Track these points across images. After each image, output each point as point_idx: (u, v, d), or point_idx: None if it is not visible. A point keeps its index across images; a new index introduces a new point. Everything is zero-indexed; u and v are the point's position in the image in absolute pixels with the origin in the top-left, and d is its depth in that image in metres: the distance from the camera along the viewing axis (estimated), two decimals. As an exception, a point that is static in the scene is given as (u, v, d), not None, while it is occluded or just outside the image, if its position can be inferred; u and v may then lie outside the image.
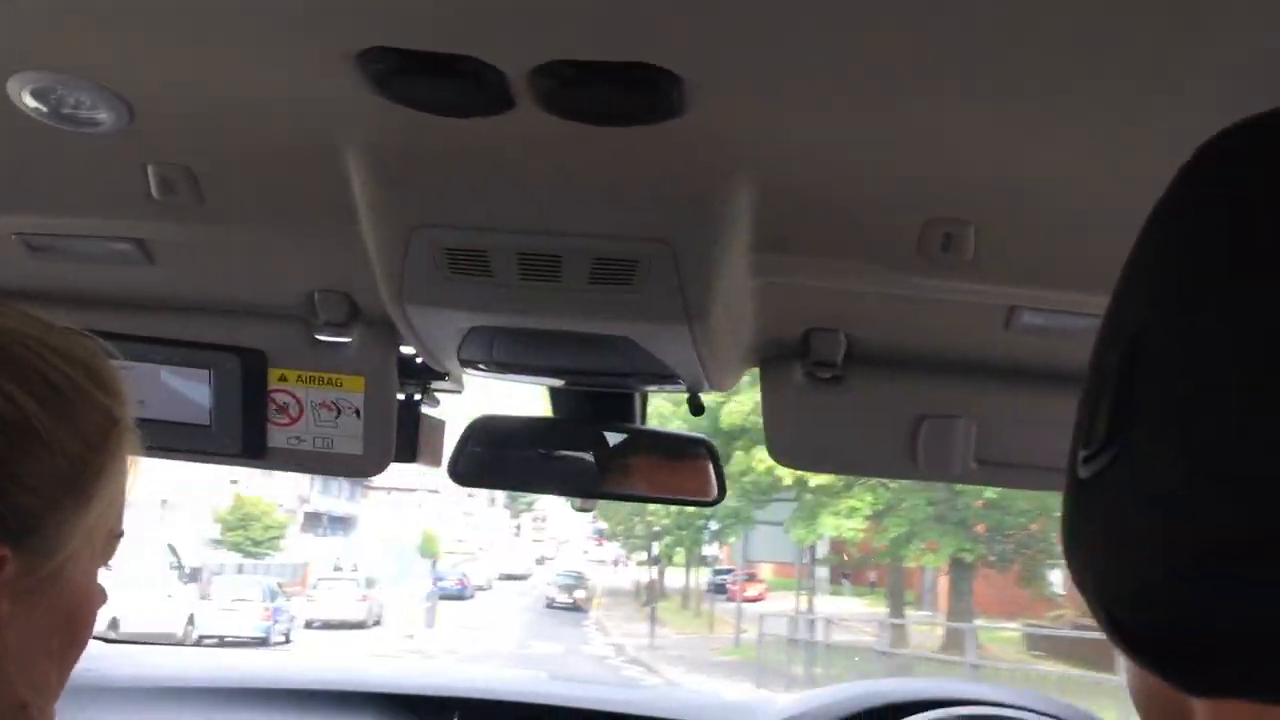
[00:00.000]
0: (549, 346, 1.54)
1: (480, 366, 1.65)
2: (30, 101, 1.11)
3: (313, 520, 52.44)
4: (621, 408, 1.82)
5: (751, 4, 0.87)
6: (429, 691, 2.34)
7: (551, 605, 40.14)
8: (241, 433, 1.68)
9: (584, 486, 1.90)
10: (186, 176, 1.27)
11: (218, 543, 37.72)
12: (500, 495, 78.11)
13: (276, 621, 24.47)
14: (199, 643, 21.85)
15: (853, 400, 1.66)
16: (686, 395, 1.76)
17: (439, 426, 1.87)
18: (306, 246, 1.46)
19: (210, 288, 1.63)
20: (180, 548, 24.76)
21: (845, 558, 30.72)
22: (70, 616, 0.82)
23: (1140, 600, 0.47)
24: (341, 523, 56.33)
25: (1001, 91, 0.98)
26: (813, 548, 27.66)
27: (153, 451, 1.76)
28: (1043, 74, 0.95)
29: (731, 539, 32.39)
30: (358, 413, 1.69)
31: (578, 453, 1.84)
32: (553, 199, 1.22)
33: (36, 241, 1.48)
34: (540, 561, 68.40)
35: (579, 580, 43.49)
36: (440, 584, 41.46)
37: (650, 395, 1.88)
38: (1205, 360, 0.45)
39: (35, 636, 0.79)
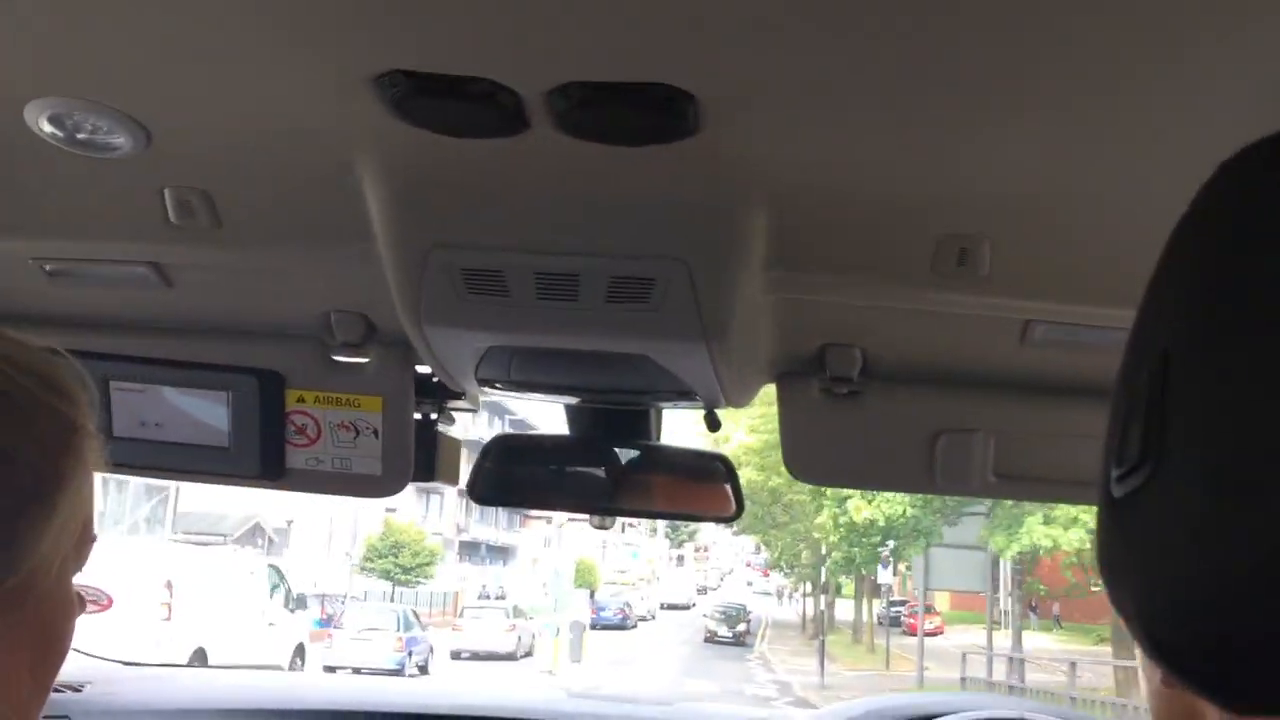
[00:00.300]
0: (567, 365, 1.55)
1: (498, 385, 1.66)
2: (47, 127, 1.12)
3: (469, 549, 52.30)
4: (637, 424, 1.81)
5: (765, 23, 0.87)
6: (455, 711, 2.34)
7: (712, 639, 38.66)
8: (260, 454, 1.69)
9: (601, 504, 1.90)
10: (204, 200, 1.28)
11: (367, 569, 37.62)
12: (661, 525, 77.75)
13: (411, 652, 22.69)
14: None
15: (870, 415, 1.65)
16: (703, 411, 1.76)
17: (456, 445, 1.87)
18: (323, 267, 1.47)
19: (227, 310, 1.64)
20: (291, 570, 22.36)
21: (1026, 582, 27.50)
22: (45, 627, 0.81)
23: (1181, 619, 0.47)
24: (500, 552, 55.99)
25: (1014, 107, 0.98)
26: (1003, 573, 25.61)
27: (171, 474, 1.83)
28: (1055, 89, 0.95)
29: (906, 563, 31.24)
30: (376, 433, 1.70)
31: (594, 470, 1.84)
32: (569, 218, 1.23)
33: (54, 266, 1.50)
34: (703, 591, 66.93)
35: (741, 612, 41.49)
36: (601, 614, 41.41)
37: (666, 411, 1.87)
38: (1238, 379, 0.45)
39: (10, 651, 0.78)
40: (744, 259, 1.27)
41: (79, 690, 2.28)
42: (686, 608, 59.35)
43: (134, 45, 1.00)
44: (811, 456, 1.72)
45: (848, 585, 37.50)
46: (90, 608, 1.02)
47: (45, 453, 0.79)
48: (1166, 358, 0.48)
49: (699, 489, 1.84)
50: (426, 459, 1.79)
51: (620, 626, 41.47)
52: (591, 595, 47.95)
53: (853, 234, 1.27)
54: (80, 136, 1.14)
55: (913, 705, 2.20)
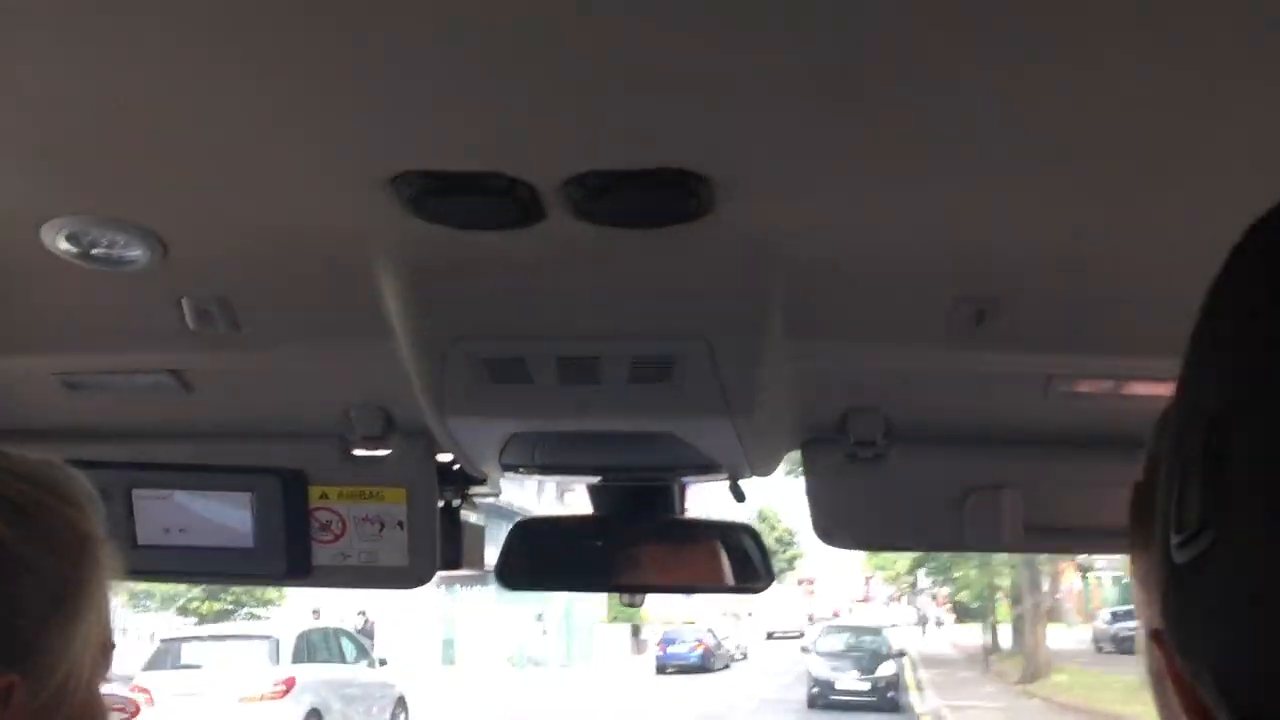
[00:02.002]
0: (591, 446, 1.55)
1: (521, 470, 1.66)
2: (63, 245, 1.13)
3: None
4: (662, 499, 1.80)
5: (774, 100, 0.88)
6: None
7: (827, 700, 22.06)
8: (286, 553, 1.68)
9: (629, 581, 1.89)
10: (222, 306, 1.29)
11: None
12: None
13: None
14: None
15: (896, 477, 1.64)
16: (728, 483, 1.74)
17: (479, 531, 1.87)
18: (342, 366, 1.48)
19: (247, 412, 1.65)
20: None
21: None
22: None
23: (1267, 689, 0.46)
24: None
25: (1027, 167, 0.99)
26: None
27: (197, 578, 1.85)
28: (1068, 150, 0.95)
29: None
30: (401, 524, 1.69)
31: (621, 547, 1.83)
32: (588, 303, 1.23)
33: (74, 380, 1.50)
34: (812, 620, 58.43)
35: (880, 646, 24.22)
36: (670, 650, 31.71)
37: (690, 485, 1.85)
38: None
39: None
40: (764, 332, 1.27)
41: None
42: (798, 635, 49.86)
43: (147, 160, 1.01)
44: (839, 520, 1.71)
45: (1001, 608, 31.35)
46: (116, 716, 1.01)
47: (65, 561, 0.80)
48: (1218, 422, 0.48)
49: (727, 561, 1.81)
50: (452, 546, 1.78)
51: (701, 668, 30.47)
52: (635, 630, 39.90)
53: (870, 299, 1.27)
54: (96, 252, 1.15)
55: None
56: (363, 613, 25.89)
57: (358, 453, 1.68)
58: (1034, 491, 1.64)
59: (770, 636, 51.00)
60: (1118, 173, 0.99)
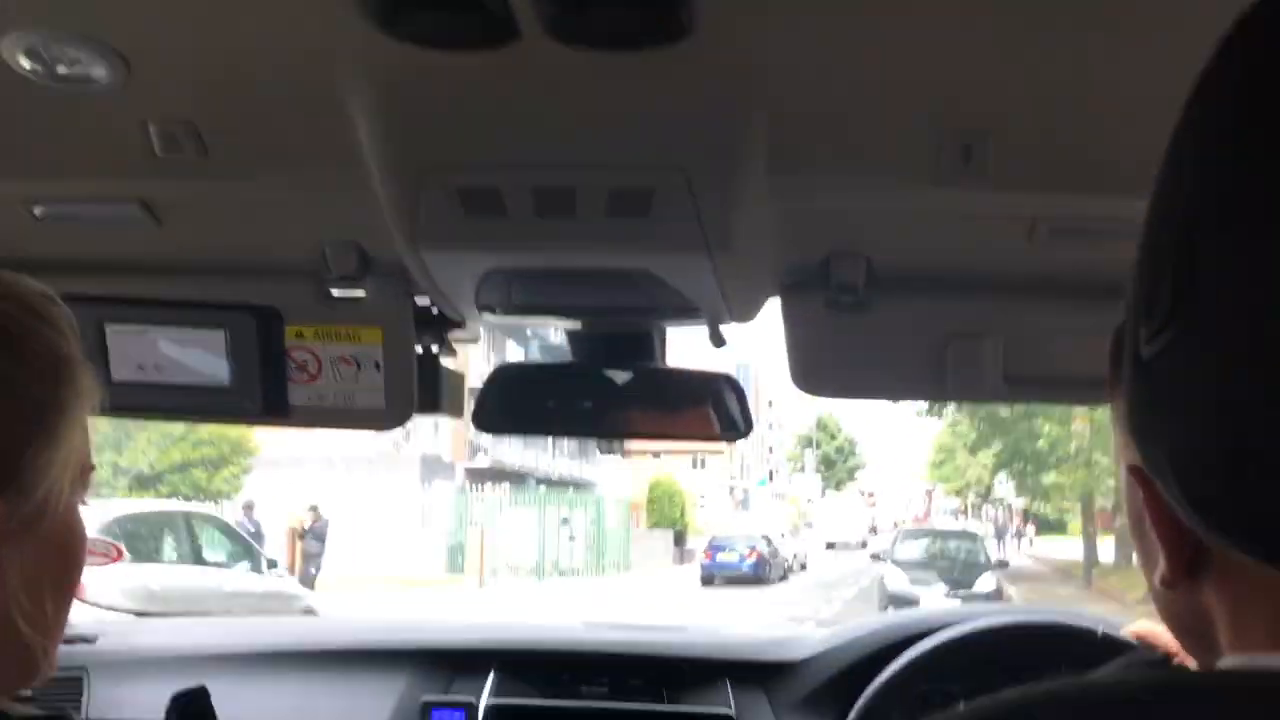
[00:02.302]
0: (567, 285, 1.53)
1: (498, 310, 1.64)
2: (25, 63, 1.10)
3: (501, 480, 34.51)
4: (641, 346, 1.78)
5: None
6: (464, 646, 2.35)
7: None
8: (262, 392, 1.67)
9: (607, 428, 1.89)
10: (189, 131, 1.26)
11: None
12: (810, 459, 69.61)
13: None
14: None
15: (877, 324, 1.62)
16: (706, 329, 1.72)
17: (459, 377, 1.85)
18: (315, 198, 1.45)
19: (219, 246, 1.63)
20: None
21: None
22: (61, 552, 0.84)
23: (1224, 470, 0.47)
24: (566, 489, 36.85)
25: None
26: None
27: (172, 415, 1.84)
28: None
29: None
30: (377, 365, 1.68)
31: (600, 394, 1.81)
32: (565, 132, 1.21)
33: (42, 209, 1.48)
34: (875, 532, 55.28)
35: (974, 549, 20.69)
36: (719, 557, 28.76)
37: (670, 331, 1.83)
38: (1263, 237, 0.46)
39: (31, 575, 0.81)
40: (745, 165, 1.24)
41: (92, 641, 2.29)
42: (859, 546, 47.61)
43: None
44: (818, 370, 1.69)
45: (1073, 521, 31.84)
46: (100, 559, 1.02)
47: (46, 383, 0.81)
48: (1192, 212, 0.49)
49: (706, 410, 1.80)
50: (430, 392, 1.77)
51: (754, 579, 27.96)
52: (678, 537, 36.96)
53: (855, 135, 1.24)
54: (60, 70, 1.13)
55: (922, 620, 2.20)
56: (314, 507, 19.21)
57: (334, 292, 1.66)
58: (1016, 341, 1.62)
59: (830, 546, 49.48)
60: (1107, 8, 0.97)
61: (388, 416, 1.73)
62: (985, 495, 51.11)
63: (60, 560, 0.84)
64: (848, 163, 1.30)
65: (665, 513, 40.51)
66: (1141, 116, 1.10)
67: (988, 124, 1.20)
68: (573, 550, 30.53)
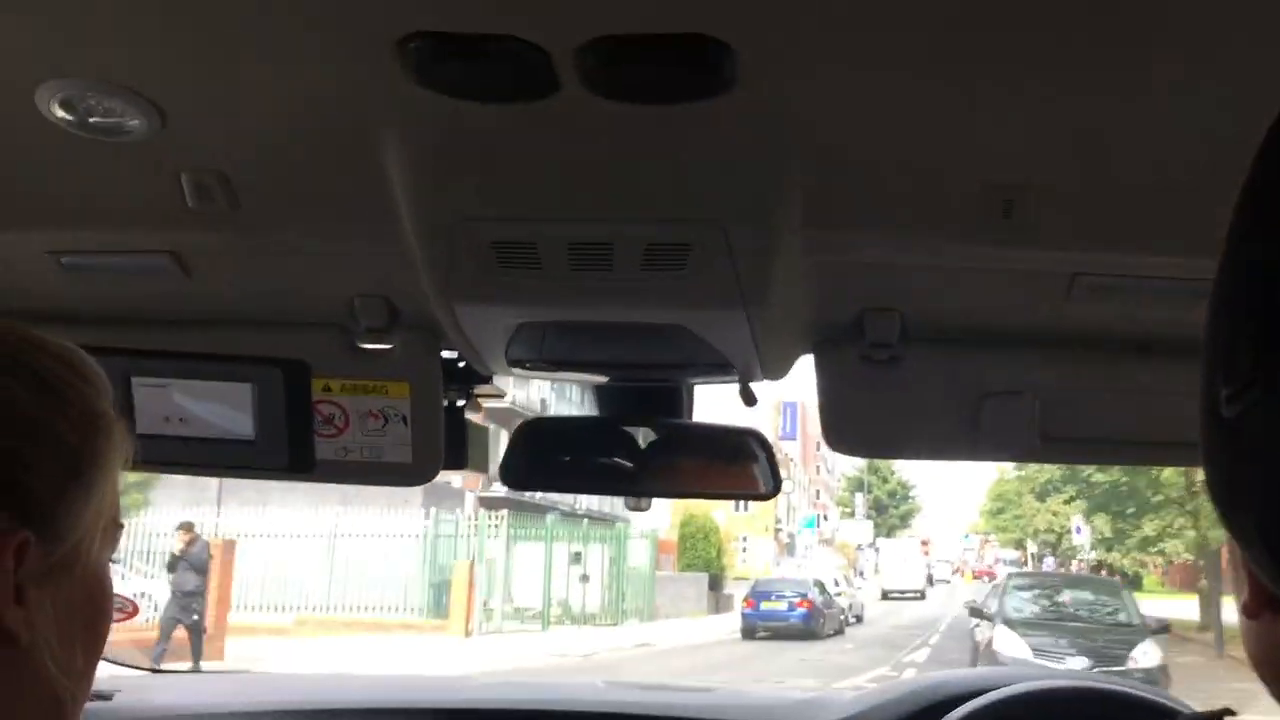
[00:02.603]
0: (600, 339, 1.52)
1: (527, 365, 1.62)
2: (59, 112, 1.10)
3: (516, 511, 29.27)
4: (668, 402, 1.76)
5: None
6: (488, 705, 2.31)
7: None
8: (288, 446, 1.65)
9: (633, 485, 1.86)
10: (221, 182, 1.25)
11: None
12: (860, 505, 67.31)
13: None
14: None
15: (910, 380, 1.60)
16: (737, 387, 1.70)
17: (484, 432, 1.84)
18: (345, 250, 1.44)
19: (248, 299, 1.61)
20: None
21: None
22: (91, 602, 0.85)
23: None
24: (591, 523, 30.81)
25: (1062, 51, 0.95)
26: None
27: (196, 470, 1.83)
28: (1103, 32, 0.91)
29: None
30: (405, 420, 1.66)
31: (626, 450, 1.79)
32: (601, 185, 1.20)
33: (69, 259, 1.47)
34: (931, 582, 54.04)
35: (1117, 606, 15.27)
36: (764, 605, 25.10)
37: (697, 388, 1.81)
38: None
39: (63, 624, 0.82)
40: (782, 220, 1.23)
41: (109, 698, 2.26)
42: (917, 596, 46.16)
43: (146, 23, 0.97)
44: (850, 426, 1.67)
45: (1149, 577, 30.20)
46: (118, 616, 1.03)
47: (81, 434, 0.82)
48: (1268, 268, 0.48)
49: (734, 467, 1.79)
50: (456, 446, 1.75)
51: (806, 631, 24.16)
52: (714, 581, 31.99)
53: (894, 189, 1.22)
54: (93, 120, 1.12)
55: (959, 681, 2.12)
56: (187, 525, 14.26)
57: (362, 345, 1.64)
58: (1052, 398, 1.59)
59: (886, 596, 46.05)
60: (1153, 62, 0.95)
61: (414, 472, 1.71)
62: (1055, 545, 49.27)
63: (90, 611, 0.85)
64: (887, 218, 1.28)
65: (699, 553, 35.69)
66: (1185, 172, 1.12)
67: (1029, 179, 1.18)
68: (585, 593, 25.68)
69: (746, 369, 1.60)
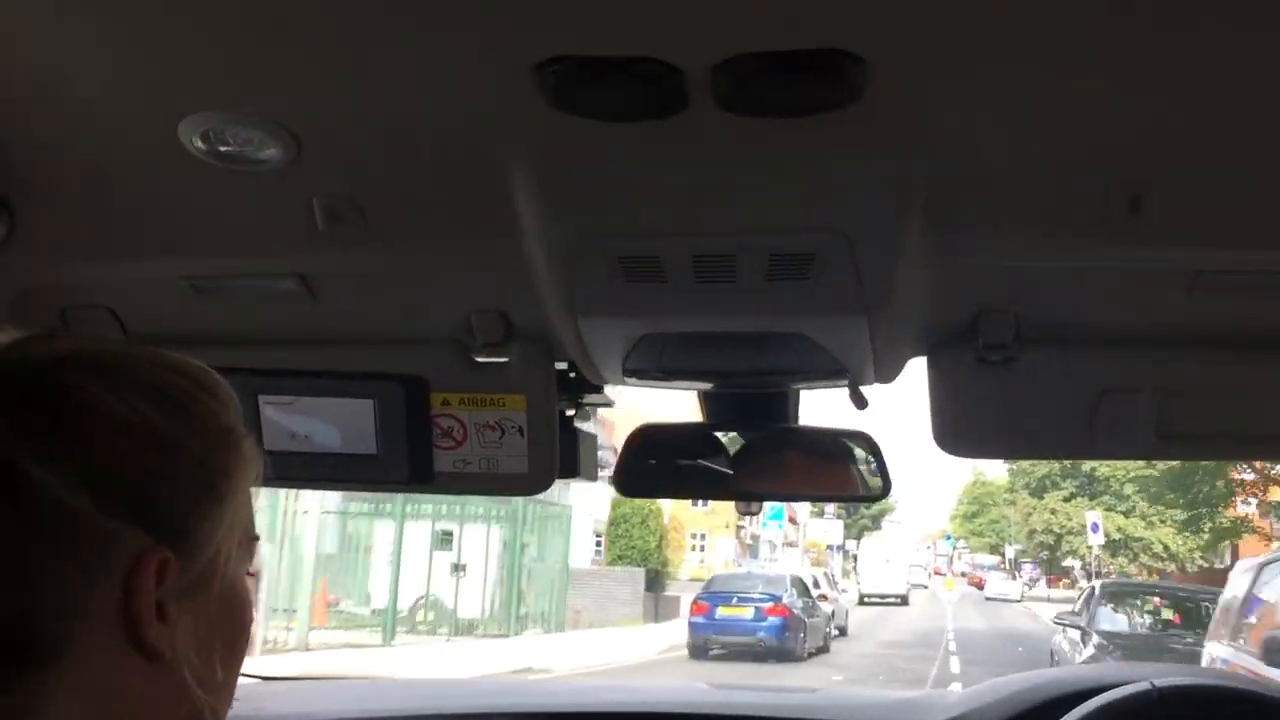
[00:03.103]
0: (720, 349, 1.53)
1: (644, 375, 1.65)
2: (199, 144, 1.13)
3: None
4: (776, 407, 1.79)
5: None
6: (599, 708, 2.33)
7: None
8: (409, 460, 1.69)
9: (747, 488, 1.88)
10: (351, 206, 1.28)
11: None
12: (830, 505, 68.09)
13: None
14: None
15: (1024, 382, 1.59)
16: (848, 390, 1.72)
17: (592, 440, 1.87)
18: (464, 268, 1.47)
19: (370, 318, 1.65)
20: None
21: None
22: (230, 617, 0.86)
23: None
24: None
25: (1190, 43, 0.94)
26: None
27: (322, 484, 1.85)
28: (1231, 18, 0.91)
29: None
30: (521, 431, 1.69)
31: (739, 455, 1.82)
32: (726, 198, 1.20)
33: (203, 284, 1.51)
34: (910, 586, 48.64)
35: None
36: (717, 612, 18.96)
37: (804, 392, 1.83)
38: None
39: (203, 637, 0.83)
40: (905, 227, 1.23)
41: None
42: (899, 602, 42.27)
43: (286, 53, 1.00)
44: (964, 428, 1.67)
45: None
46: None
47: (212, 449, 0.84)
48: None
49: (844, 469, 1.81)
50: (568, 454, 1.78)
51: (779, 650, 18.20)
52: (653, 579, 25.10)
53: (1018, 190, 1.22)
54: (228, 150, 1.15)
55: (1075, 678, 2.11)
56: None
57: (479, 359, 1.67)
58: (1170, 396, 1.59)
59: (864, 601, 40.84)
60: None
61: (531, 481, 1.74)
62: (1053, 547, 45.24)
63: (229, 624, 0.86)
64: (1010, 220, 1.28)
65: (633, 542, 27.33)
66: None
67: (1152, 176, 1.18)
68: (459, 590, 18.62)
69: (860, 373, 1.61)
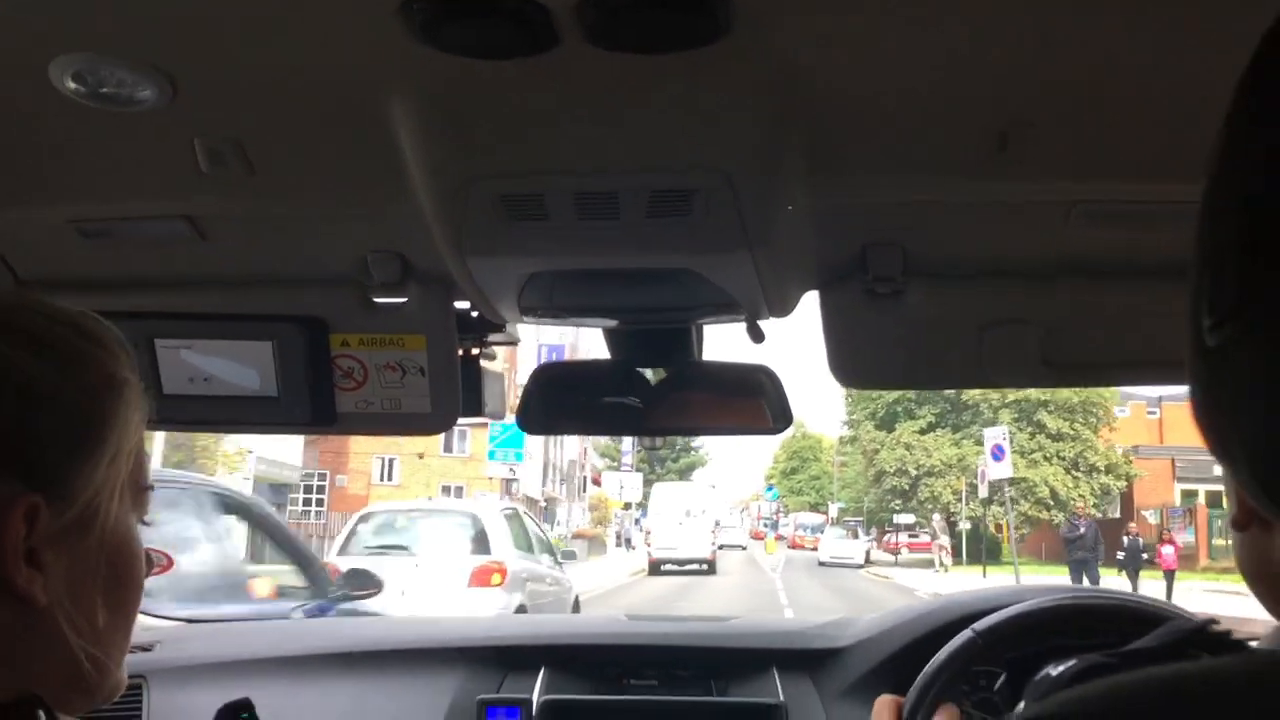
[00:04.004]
0: (609, 285, 1.55)
1: (540, 312, 1.66)
2: (71, 85, 1.12)
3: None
4: (679, 342, 1.82)
5: None
6: (514, 642, 2.37)
7: None
8: (310, 401, 1.69)
9: (647, 424, 1.91)
10: (234, 148, 1.28)
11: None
12: (629, 444, 47.77)
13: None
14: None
15: (914, 313, 1.64)
16: (745, 324, 1.76)
17: (499, 378, 1.88)
18: (357, 209, 1.46)
19: (264, 259, 1.64)
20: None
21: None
22: (112, 564, 0.86)
23: None
24: None
25: None
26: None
27: (223, 426, 1.83)
28: None
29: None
30: (422, 371, 1.71)
31: (642, 391, 1.84)
32: (605, 136, 1.22)
33: (89, 228, 1.50)
34: (720, 546, 40.19)
35: None
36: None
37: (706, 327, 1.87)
38: None
39: (79, 584, 0.83)
40: (785, 163, 1.26)
41: (149, 649, 2.33)
42: (704, 569, 33.69)
43: None
44: (857, 360, 1.72)
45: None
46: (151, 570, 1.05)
47: (90, 397, 0.84)
48: (1257, 199, 0.48)
49: (745, 402, 1.84)
50: (473, 394, 1.80)
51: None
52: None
53: (895, 129, 1.25)
54: (105, 91, 1.14)
55: (977, 599, 2.19)
56: None
57: (377, 300, 1.68)
58: (1054, 325, 1.65)
59: (657, 570, 34.06)
60: None
61: (433, 420, 1.75)
62: (906, 494, 36.98)
63: (112, 573, 0.86)
64: (887, 156, 1.31)
65: None
66: (1175, 100, 1.15)
67: (1022, 113, 1.21)
68: None
69: (753, 308, 1.64)
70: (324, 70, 1.12)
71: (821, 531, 49.08)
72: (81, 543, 0.83)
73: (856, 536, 43.19)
